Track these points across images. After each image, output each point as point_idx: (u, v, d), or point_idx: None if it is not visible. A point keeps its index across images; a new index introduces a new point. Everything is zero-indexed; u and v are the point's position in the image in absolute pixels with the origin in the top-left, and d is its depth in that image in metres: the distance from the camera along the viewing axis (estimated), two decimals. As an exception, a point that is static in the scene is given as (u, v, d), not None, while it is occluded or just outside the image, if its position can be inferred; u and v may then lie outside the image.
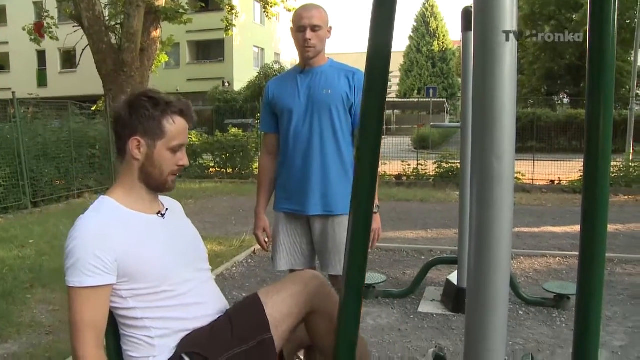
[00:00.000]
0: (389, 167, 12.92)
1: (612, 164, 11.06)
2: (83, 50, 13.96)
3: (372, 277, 4.47)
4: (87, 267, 1.55)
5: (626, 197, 10.30)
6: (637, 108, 17.86)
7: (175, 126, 1.71)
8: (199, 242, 1.89)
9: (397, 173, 12.74)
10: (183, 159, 1.75)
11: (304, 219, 2.72)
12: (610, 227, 7.16)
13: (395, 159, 13.27)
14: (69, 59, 32.37)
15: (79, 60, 17.42)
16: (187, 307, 1.70)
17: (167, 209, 1.82)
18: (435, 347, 1.78)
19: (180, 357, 1.63)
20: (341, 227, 2.65)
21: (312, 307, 1.75)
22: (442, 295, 4.32)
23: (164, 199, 1.87)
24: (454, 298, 4.03)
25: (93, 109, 13.69)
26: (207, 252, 1.93)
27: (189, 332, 1.69)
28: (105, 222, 1.62)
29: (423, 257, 5.60)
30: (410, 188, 11.74)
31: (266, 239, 2.87)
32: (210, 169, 13.98)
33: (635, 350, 3.37)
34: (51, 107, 10.94)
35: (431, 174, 12.47)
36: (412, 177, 12.58)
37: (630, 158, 11.97)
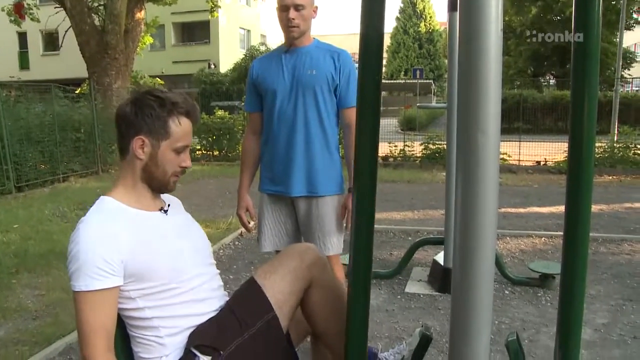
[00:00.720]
0: (376, 149, 12.86)
1: (597, 145, 11.15)
2: (65, 32, 13.78)
3: (359, 258, 4.47)
4: (93, 270, 1.51)
5: (610, 178, 10.39)
6: (622, 89, 17.97)
7: (181, 127, 1.69)
8: (203, 237, 1.87)
9: (383, 154, 12.73)
10: (186, 160, 1.73)
11: (288, 200, 2.72)
12: (595, 208, 7.22)
13: (382, 140, 13.16)
14: (51, 41, 31.86)
15: (62, 43, 17.19)
16: (196, 303, 1.69)
17: (169, 205, 1.80)
18: (422, 326, 1.79)
19: (189, 352, 1.61)
20: (325, 208, 2.65)
21: (311, 280, 1.74)
22: (429, 275, 4.35)
23: (164, 196, 1.85)
24: (441, 278, 4.06)
25: (77, 92, 13.53)
26: (211, 247, 1.90)
27: (195, 327, 1.68)
28: (109, 223, 1.58)
29: (410, 238, 5.63)
30: (397, 169, 11.76)
31: (249, 220, 2.86)
32: (197, 152, 13.91)
33: (617, 327, 3.42)
34: (34, 90, 10.76)
35: (418, 155, 12.49)
36: (398, 159, 12.60)
37: (615, 139, 12.04)
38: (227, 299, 1.83)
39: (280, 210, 2.76)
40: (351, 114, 2.62)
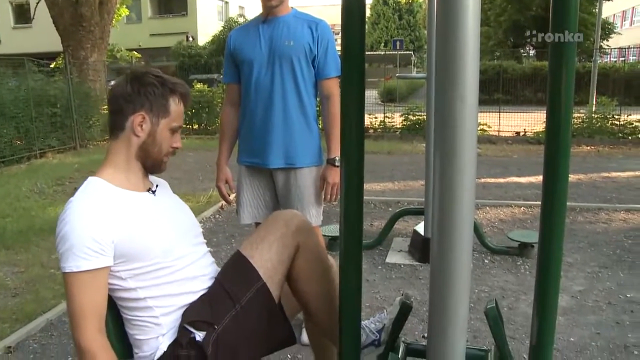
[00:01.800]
0: (356, 121, 12.86)
1: (576, 115, 11.25)
2: (37, 3, 13.42)
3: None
4: (83, 251, 1.48)
5: (588, 148, 10.51)
6: (600, 60, 18.08)
7: (179, 107, 1.71)
8: (191, 216, 1.87)
9: (364, 126, 12.72)
10: (178, 141, 1.74)
11: (266, 171, 2.70)
12: (573, 177, 7.32)
13: (363, 112, 13.22)
14: (22, 13, 31.11)
15: (34, 15, 16.77)
16: (186, 282, 1.68)
17: (157, 186, 1.79)
18: (402, 295, 1.80)
19: (184, 329, 1.60)
20: (304, 180, 2.64)
21: (298, 246, 1.74)
22: (410, 245, 4.38)
23: (151, 177, 1.83)
24: (421, 248, 4.09)
25: (52, 66, 13.27)
26: (199, 226, 1.90)
27: (189, 304, 1.67)
28: (98, 203, 1.56)
29: (390, 209, 5.65)
30: (377, 141, 11.77)
31: (229, 192, 2.85)
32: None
33: (593, 294, 3.49)
34: (6, 65, 10.52)
35: (398, 126, 12.51)
36: (379, 130, 12.61)
37: (593, 110, 12.15)
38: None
39: (258, 182, 2.74)
40: (329, 85, 2.60)
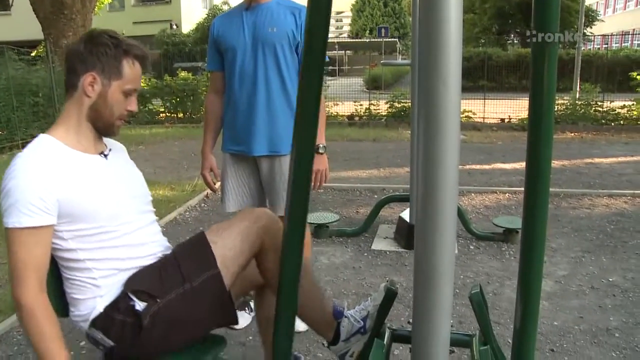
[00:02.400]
0: (341, 108, 12.91)
1: (560, 102, 11.33)
2: (17, -10, 13.16)
3: (325, 216, 4.50)
4: (27, 207, 1.48)
5: (572, 134, 10.59)
6: (584, 47, 18.17)
7: (133, 69, 1.69)
8: (143, 185, 1.86)
9: (349, 113, 12.74)
10: (132, 104, 1.72)
11: (250, 159, 2.68)
12: (557, 163, 7.37)
13: (348, 99, 13.25)
14: (1, 1, 30.60)
15: (12, 2, 16.49)
16: (130, 247, 1.68)
17: (110, 150, 1.77)
18: (387, 282, 1.81)
19: (126, 296, 1.60)
20: (288, 167, 2.62)
21: (263, 244, 1.74)
22: (395, 232, 4.40)
23: (108, 141, 1.82)
24: (407, 235, 4.10)
25: (33, 54, 13.06)
26: (150, 196, 1.89)
27: (134, 270, 1.66)
28: (46, 161, 1.55)
29: (376, 196, 5.66)
30: (362, 128, 11.78)
31: (214, 180, 2.83)
32: (161, 114, 13.68)
33: (577, 278, 3.53)
34: (-15, 53, 10.36)
35: (383, 113, 12.52)
36: (364, 117, 12.61)
37: (577, 96, 12.23)
38: (169, 246, 1.83)
39: (243, 170, 2.73)
40: None
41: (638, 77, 11.89)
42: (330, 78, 15.69)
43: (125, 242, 1.66)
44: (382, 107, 12.62)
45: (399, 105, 12.23)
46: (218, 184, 2.90)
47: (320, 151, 2.55)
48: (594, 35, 26.83)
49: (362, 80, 23.33)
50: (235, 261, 1.69)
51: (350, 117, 12.65)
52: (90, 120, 1.68)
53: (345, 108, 12.88)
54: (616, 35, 26.39)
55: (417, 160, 1.12)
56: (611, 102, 11.53)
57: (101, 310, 1.61)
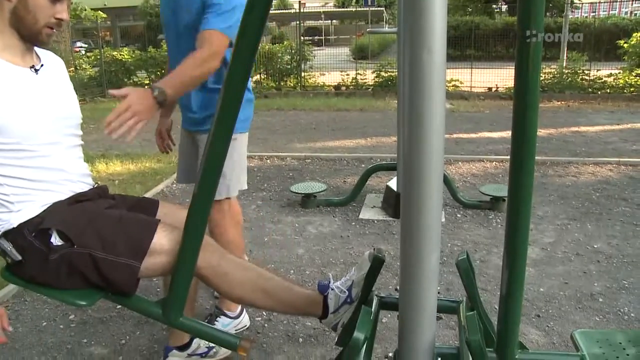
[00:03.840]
0: (327, 78, 12.84)
1: (547, 70, 11.33)
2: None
3: (312, 186, 4.50)
4: None
5: (559, 103, 10.61)
6: (571, 15, 18.08)
7: None
8: (74, 105, 1.79)
9: (336, 83, 12.66)
10: (62, 12, 1.65)
11: (191, 136, 2.65)
12: (544, 132, 7.40)
13: (334, 69, 13.16)
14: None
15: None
16: (45, 170, 1.63)
17: (42, 65, 1.71)
18: (374, 249, 1.80)
19: (47, 230, 1.56)
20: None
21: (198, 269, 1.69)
22: (382, 201, 4.40)
23: (47, 56, 1.76)
24: (394, 204, 4.11)
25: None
26: (81, 119, 1.82)
27: (49, 193, 1.63)
28: None
29: (363, 165, 5.65)
30: (349, 98, 11.72)
31: (169, 145, 2.84)
32: (146, 87, 13.50)
33: (562, 245, 3.56)
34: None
35: (370, 83, 12.45)
36: (351, 87, 12.55)
37: (564, 65, 12.22)
38: (89, 174, 1.80)
39: (188, 146, 2.70)
40: (210, 34, 2.21)
41: (625, 45, 11.87)
42: (316, 48, 15.50)
43: (41, 164, 1.62)
44: (369, 76, 12.54)
45: (386, 75, 12.15)
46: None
47: (155, 94, 1.97)
48: (582, 3, 26.70)
49: (349, 49, 23.15)
50: (160, 261, 1.63)
51: (337, 87, 12.57)
52: (12, 26, 1.62)
53: (331, 78, 12.79)
54: (604, 2, 26.31)
55: (403, 128, 1.11)
56: (598, 70, 11.54)
57: (15, 225, 1.58)
